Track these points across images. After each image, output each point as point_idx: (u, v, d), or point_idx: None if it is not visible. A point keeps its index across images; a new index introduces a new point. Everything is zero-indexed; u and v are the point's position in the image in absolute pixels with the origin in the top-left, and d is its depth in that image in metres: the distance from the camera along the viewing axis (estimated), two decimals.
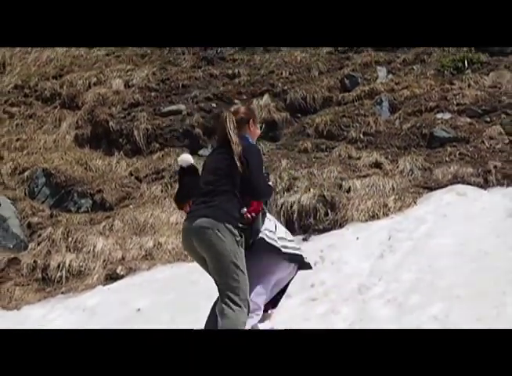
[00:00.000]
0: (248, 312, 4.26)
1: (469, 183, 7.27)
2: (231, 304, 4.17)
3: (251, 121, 4.65)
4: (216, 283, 4.32)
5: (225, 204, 4.30)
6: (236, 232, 4.26)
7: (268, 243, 4.63)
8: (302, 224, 7.41)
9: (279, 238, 4.73)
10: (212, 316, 4.46)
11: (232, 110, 4.66)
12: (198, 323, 4.53)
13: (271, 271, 4.72)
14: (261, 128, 5.16)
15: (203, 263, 4.40)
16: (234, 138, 4.39)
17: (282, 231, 4.87)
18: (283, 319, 5.05)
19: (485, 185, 7.26)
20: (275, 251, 4.67)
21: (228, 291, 4.21)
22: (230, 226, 4.23)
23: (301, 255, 4.87)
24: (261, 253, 4.61)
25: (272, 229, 4.73)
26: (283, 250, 4.72)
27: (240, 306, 4.19)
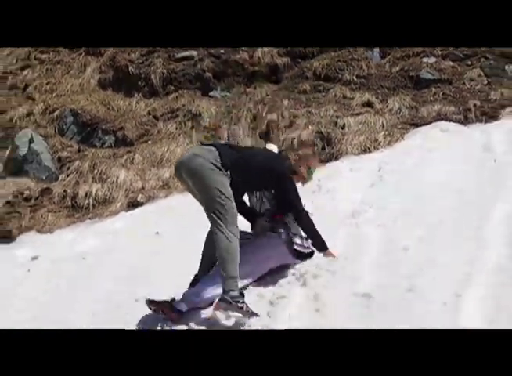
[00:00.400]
0: (238, 236, 3.95)
1: (451, 120, 7.16)
2: (222, 228, 3.90)
3: (307, 162, 4.57)
4: (206, 213, 4.04)
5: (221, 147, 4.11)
6: (221, 167, 3.98)
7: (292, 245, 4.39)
8: None
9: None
10: (208, 242, 4.29)
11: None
12: None
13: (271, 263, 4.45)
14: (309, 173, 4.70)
15: (195, 194, 4.14)
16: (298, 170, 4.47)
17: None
18: None
19: (466, 121, 7.15)
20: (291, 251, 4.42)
21: (216, 218, 3.92)
22: (218, 163, 3.97)
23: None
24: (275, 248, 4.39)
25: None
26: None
27: (232, 232, 3.91)
